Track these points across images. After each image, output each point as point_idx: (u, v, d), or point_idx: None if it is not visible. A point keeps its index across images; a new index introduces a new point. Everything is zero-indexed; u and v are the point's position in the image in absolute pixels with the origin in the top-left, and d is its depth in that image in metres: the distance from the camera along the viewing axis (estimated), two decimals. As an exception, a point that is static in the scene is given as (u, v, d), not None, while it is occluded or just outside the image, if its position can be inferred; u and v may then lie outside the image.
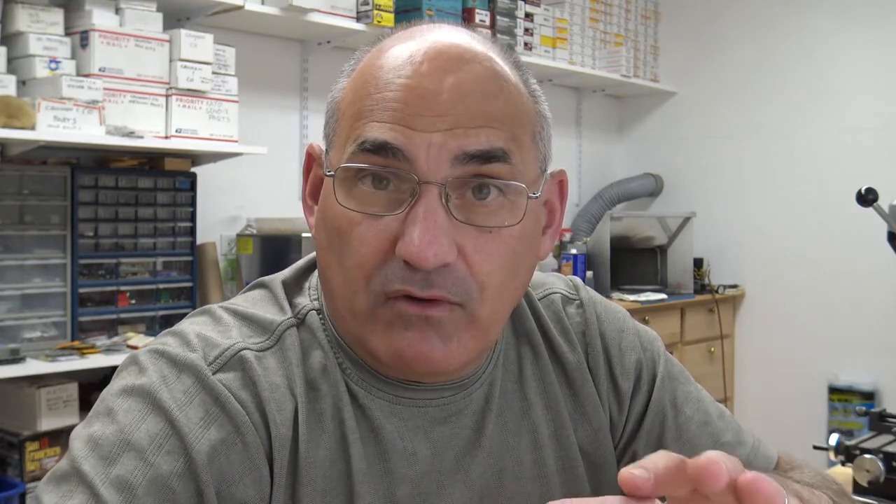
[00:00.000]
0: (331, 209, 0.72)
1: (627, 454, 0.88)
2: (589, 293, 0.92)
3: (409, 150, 0.67)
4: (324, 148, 0.77)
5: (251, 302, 0.80)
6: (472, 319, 0.71)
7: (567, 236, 4.09)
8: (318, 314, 0.78)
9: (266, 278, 0.83)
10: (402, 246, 0.67)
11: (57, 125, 2.26)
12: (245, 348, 0.73)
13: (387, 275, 0.69)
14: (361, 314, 0.71)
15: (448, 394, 0.78)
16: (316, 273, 0.82)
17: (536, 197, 0.73)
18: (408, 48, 0.71)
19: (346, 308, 0.72)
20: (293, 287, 0.81)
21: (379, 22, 3.03)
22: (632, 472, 0.47)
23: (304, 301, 0.79)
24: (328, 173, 0.72)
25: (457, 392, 0.78)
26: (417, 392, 0.77)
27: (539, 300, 0.88)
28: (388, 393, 0.76)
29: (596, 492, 0.86)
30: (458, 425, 0.78)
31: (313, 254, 0.82)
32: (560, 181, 0.81)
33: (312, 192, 0.79)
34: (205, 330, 0.74)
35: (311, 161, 0.79)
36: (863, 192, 1.55)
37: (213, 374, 0.71)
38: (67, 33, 2.41)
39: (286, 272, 0.83)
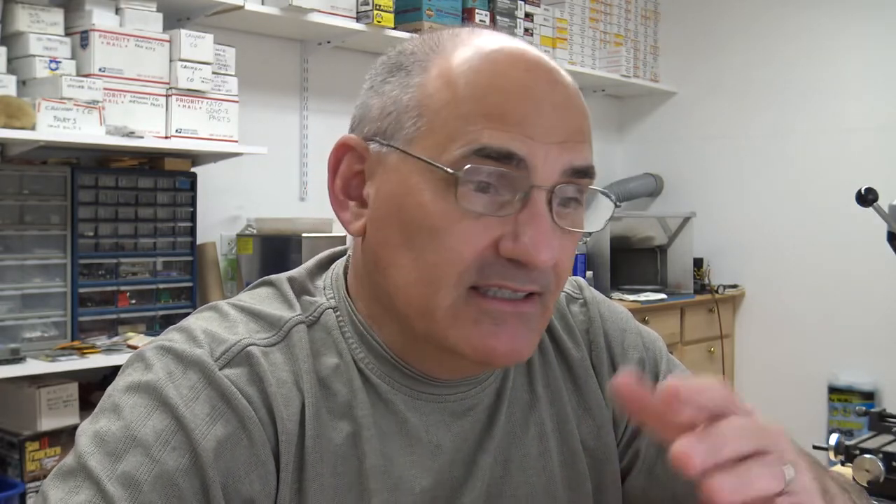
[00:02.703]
0: (418, 206, 0.71)
1: (630, 451, 0.89)
2: (592, 293, 0.93)
3: (529, 159, 0.70)
4: (385, 142, 0.74)
5: (258, 299, 0.80)
6: (545, 309, 0.75)
7: (567, 236, 4.09)
8: (335, 312, 0.78)
9: (272, 277, 0.83)
10: (516, 246, 0.69)
11: (57, 125, 2.26)
12: (252, 344, 0.73)
13: (484, 271, 0.70)
14: (441, 311, 0.71)
15: (464, 388, 0.79)
16: (331, 272, 0.82)
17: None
18: (504, 54, 0.73)
19: (418, 305, 0.72)
20: (303, 285, 0.81)
21: (379, 22, 3.03)
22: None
23: (319, 300, 0.79)
24: (440, 166, 0.70)
25: (472, 387, 0.80)
26: (437, 387, 0.78)
27: None
28: (411, 388, 0.77)
29: (598, 487, 0.86)
30: (474, 419, 0.80)
31: (325, 253, 0.83)
32: None
33: (344, 186, 0.77)
34: (211, 326, 0.74)
35: (343, 154, 0.77)
36: (863, 192, 1.55)
37: (220, 369, 0.71)
38: (67, 33, 2.40)
39: (294, 272, 0.83)
